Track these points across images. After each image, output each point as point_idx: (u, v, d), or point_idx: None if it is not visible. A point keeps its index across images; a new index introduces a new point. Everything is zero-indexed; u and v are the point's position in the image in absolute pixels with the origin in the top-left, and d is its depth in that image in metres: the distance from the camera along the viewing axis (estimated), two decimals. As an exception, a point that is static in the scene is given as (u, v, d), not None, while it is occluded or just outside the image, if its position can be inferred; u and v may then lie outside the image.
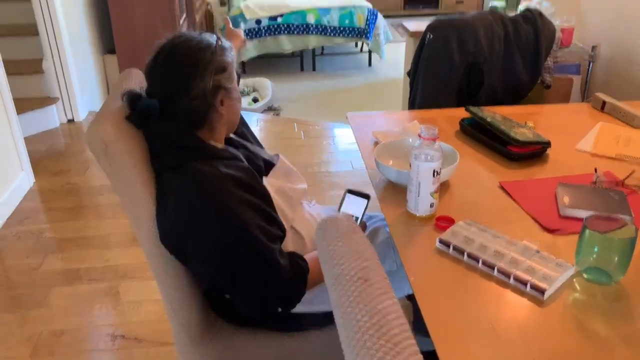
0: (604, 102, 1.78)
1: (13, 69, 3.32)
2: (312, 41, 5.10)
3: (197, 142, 1.20)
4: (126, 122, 1.19)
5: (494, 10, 1.98)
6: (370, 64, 5.44)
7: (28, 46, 3.70)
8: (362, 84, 4.97)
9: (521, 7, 2.49)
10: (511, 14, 2.85)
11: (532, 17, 1.98)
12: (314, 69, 5.37)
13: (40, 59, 3.63)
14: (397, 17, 7.07)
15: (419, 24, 2.70)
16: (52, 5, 3.50)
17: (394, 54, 5.45)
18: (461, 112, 1.75)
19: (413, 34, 2.69)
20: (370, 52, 5.40)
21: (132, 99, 1.20)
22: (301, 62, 5.37)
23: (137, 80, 1.37)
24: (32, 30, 3.61)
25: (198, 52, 1.20)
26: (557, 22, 2.30)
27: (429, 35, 1.88)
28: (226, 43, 1.28)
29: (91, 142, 1.15)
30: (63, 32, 3.58)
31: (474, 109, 1.65)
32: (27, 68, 3.62)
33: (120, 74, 1.45)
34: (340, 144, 3.59)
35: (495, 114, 1.66)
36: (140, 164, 1.17)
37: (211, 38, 1.25)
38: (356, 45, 5.92)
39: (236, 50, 1.78)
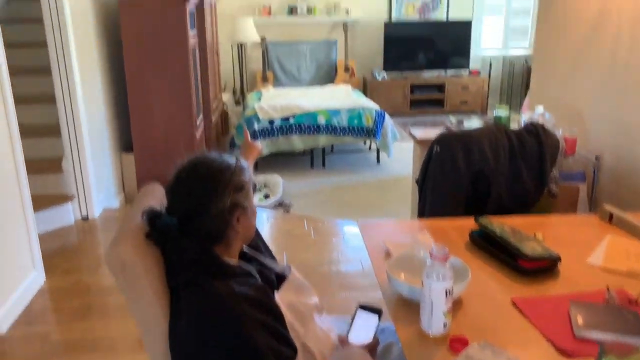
0: (612, 215, 1.81)
1: (33, 168, 3.43)
2: (322, 140, 5.27)
3: (213, 259, 1.23)
4: (145, 240, 1.23)
5: (497, 124, 2.08)
6: (378, 162, 5.58)
7: (49, 145, 3.85)
8: (370, 181, 5.07)
9: (523, 116, 2.59)
10: (514, 121, 2.96)
11: (535, 131, 2.06)
12: (323, 166, 5.50)
13: (60, 157, 3.77)
14: (404, 116, 7.33)
15: (425, 132, 2.81)
16: (76, 106, 3.68)
17: (401, 152, 5.59)
18: (470, 222, 1.78)
19: (420, 141, 2.80)
20: (378, 150, 5.55)
21: (152, 217, 1.25)
22: (311, 159, 5.52)
23: (157, 197, 1.42)
24: (55, 131, 3.77)
25: (218, 172, 1.26)
26: (560, 132, 2.39)
27: (436, 148, 1.97)
28: (244, 163, 1.34)
29: (110, 261, 1.18)
30: (84, 132, 3.74)
31: (483, 220, 1.68)
32: (47, 167, 3.75)
33: (141, 190, 1.52)
34: (350, 241, 3.60)
35: (504, 225, 1.68)
36: (157, 282, 1.19)
37: (230, 159, 1.31)
38: (365, 143, 6.09)
39: (253, 160, 1.86)
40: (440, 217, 1.94)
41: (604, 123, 2.45)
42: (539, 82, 2.99)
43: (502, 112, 2.62)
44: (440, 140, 1.98)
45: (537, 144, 2.03)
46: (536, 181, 2.02)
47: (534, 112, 2.49)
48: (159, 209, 1.27)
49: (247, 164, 1.36)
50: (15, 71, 4.12)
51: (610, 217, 1.82)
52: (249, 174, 1.35)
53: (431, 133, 2.75)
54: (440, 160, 1.95)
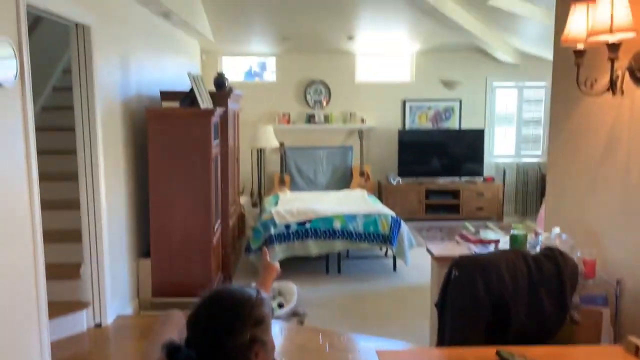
0: (637, 347, 1.76)
1: (51, 274, 3.45)
2: (338, 245, 5.28)
3: (230, 400, 1.22)
4: (164, 377, 1.22)
5: (515, 249, 2.09)
6: (395, 269, 5.53)
7: (69, 251, 3.90)
8: (387, 289, 5.00)
9: (541, 237, 2.60)
10: (531, 231, 2.96)
11: (553, 255, 2.07)
12: (339, 272, 5.46)
13: (79, 263, 3.80)
14: (419, 221, 7.36)
15: (443, 248, 2.82)
16: (99, 213, 3.77)
17: (418, 259, 5.54)
18: (492, 352, 1.74)
19: (437, 258, 2.80)
20: (394, 256, 5.51)
21: (171, 351, 1.25)
22: (327, 265, 5.49)
23: (178, 325, 1.43)
24: (75, 237, 3.84)
25: (239, 306, 1.28)
26: (578, 254, 2.38)
27: (455, 272, 1.97)
28: (264, 295, 1.36)
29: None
30: (105, 239, 3.80)
31: (505, 354, 1.64)
32: (65, 273, 3.78)
33: (161, 317, 1.53)
34: (366, 359, 3.49)
35: (527, 359, 1.64)
36: None
37: (251, 291, 1.33)
38: (381, 249, 6.08)
39: (272, 281, 1.88)
40: (460, 344, 1.90)
41: (622, 245, 2.45)
42: (554, 201, 3.03)
43: (518, 231, 2.64)
44: (459, 264, 1.99)
45: (555, 269, 2.02)
46: (557, 308, 2.00)
47: (550, 232, 2.50)
48: (178, 342, 1.28)
49: (268, 296, 1.38)
50: (41, 177, 4.30)
51: (636, 350, 1.77)
52: (270, 306, 1.36)
53: (449, 250, 2.77)
54: (459, 285, 1.95)
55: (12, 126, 2.76)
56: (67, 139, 4.36)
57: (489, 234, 3.50)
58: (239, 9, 6.12)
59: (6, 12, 2.68)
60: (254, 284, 2.13)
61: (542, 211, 5.28)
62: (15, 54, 2.71)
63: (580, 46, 2.42)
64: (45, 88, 5.29)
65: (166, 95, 4.66)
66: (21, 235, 2.85)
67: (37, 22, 4.85)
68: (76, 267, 3.80)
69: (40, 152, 3.08)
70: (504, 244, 3.27)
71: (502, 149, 8.07)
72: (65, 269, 3.82)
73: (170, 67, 5.70)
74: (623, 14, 2.09)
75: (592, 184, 2.64)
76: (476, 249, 3.17)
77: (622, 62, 2.30)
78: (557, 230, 2.49)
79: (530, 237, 3.06)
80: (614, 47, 2.21)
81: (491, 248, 3.24)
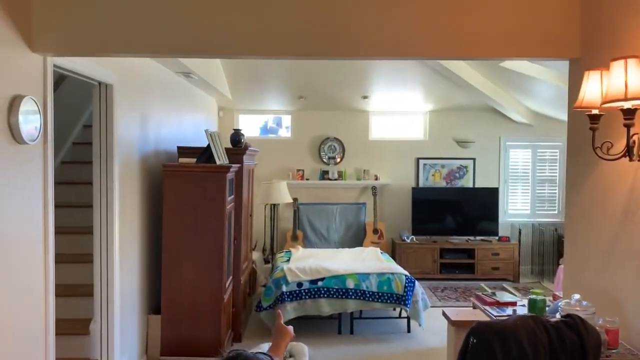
0: None
1: (60, 329, 3.41)
2: (351, 305, 5.17)
3: None
4: None
5: (534, 315, 2.03)
6: (409, 331, 5.38)
7: (78, 305, 3.87)
8: (401, 351, 4.86)
9: (560, 302, 2.53)
10: (549, 294, 2.87)
11: (574, 324, 2.00)
12: (351, 332, 5.33)
13: (89, 319, 3.76)
14: (434, 280, 7.23)
15: (458, 312, 2.76)
16: (112, 268, 3.76)
17: (433, 320, 5.41)
18: None
19: (454, 322, 2.73)
20: (409, 317, 5.39)
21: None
22: (339, 325, 5.37)
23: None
24: (86, 291, 3.81)
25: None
26: (600, 322, 2.31)
27: (472, 340, 1.91)
28: (277, 362, 1.33)
29: None
30: (116, 294, 3.77)
31: None
32: (74, 328, 3.73)
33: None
34: None
35: None
36: None
37: (265, 359, 1.30)
38: (394, 309, 5.95)
39: (286, 346, 1.84)
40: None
41: (645, 312, 2.37)
42: (573, 265, 2.96)
43: (537, 296, 2.57)
44: (477, 331, 1.93)
45: (578, 339, 1.95)
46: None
47: (570, 298, 2.44)
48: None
49: (281, 364, 1.35)
50: (56, 230, 4.32)
51: None
52: (282, 375, 1.32)
53: (465, 314, 2.70)
54: (477, 354, 1.88)
55: (31, 181, 2.81)
56: (84, 192, 4.42)
57: (505, 296, 3.42)
58: (257, 69, 6.31)
59: (33, 72, 2.79)
60: (266, 346, 2.09)
61: (559, 273, 5.16)
62: (39, 112, 2.79)
63: (594, 111, 2.43)
64: (66, 142, 5.41)
65: (183, 150, 4.74)
66: (34, 289, 2.84)
67: (61, 79, 5.02)
68: (85, 322, 3.75)
69: (56, 205, 3.11)
70: (522, 306, 3.19)
71: (517, 208, 8.01)
72: (74, 324, 3.78)
73: (188, 124, 5.83)
74: (637, 81, 2.11)
75: (612, 248, 2.59)
76: (493, 312, 3.10)
77: (638, 128, 2.30)
78: (577, 296, 2.42)
79: (549, 301, 2.98)
80: (629, 113, 2.22)
81: (508, 311, 3.15)
